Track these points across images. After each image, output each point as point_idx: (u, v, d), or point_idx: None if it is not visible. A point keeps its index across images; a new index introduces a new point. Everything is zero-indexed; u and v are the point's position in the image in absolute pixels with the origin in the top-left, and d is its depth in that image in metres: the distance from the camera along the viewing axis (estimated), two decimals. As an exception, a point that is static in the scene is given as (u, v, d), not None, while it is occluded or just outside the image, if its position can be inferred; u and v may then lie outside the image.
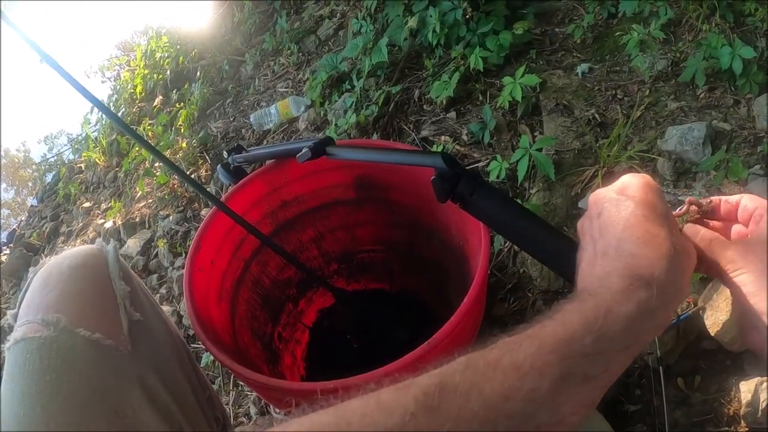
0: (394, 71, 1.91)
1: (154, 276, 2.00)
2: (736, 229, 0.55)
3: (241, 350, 1.09)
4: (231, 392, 1.48)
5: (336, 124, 1.85)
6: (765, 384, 0.93)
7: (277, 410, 1.33)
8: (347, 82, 2.00)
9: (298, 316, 1.37)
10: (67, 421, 0.63)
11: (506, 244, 1.38)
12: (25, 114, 5.95)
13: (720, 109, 1.40)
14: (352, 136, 1.79)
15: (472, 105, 1.72)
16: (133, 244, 2.16)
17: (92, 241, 2.40)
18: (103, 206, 2.73)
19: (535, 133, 1.56)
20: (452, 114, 1.71)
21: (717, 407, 0.99)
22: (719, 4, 1.51)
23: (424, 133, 1.70)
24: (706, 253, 0.51)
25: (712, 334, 1.01)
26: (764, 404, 0.92)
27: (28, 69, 4.45)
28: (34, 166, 5.42)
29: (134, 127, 2.79)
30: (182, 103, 2.76)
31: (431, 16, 1.78)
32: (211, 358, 1.53)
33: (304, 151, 0.97)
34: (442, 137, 1.66)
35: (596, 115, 1.51)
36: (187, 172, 2.22)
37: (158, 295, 1.90)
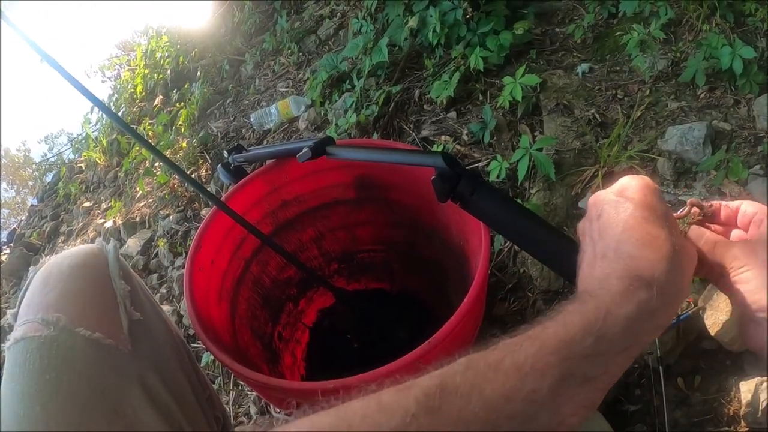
0: (395, 71, 1.91)
1: (155, 275, 2.00)
2: (736, 233, 0.56)
3: (241, 350, 1.09)
4: (231, 392, 1.48)
5: (336, 124, 1.85)
6: (765, 384, 0.93)
7: (277, 410, 1.33)
8: (347, 82, 2.00)
9: (299, 315, 1.38)
10: (66, 420, 0.63)
11: (506, 244, 1.38)
12: (26, 113, 5.95)
13: (720, 109, 1.40)
14: (352, 135, 1.79)
15: (472, 105, 1.72)
16: (133, 244, 2.16)
17: (92, 241, 2.40)
18: (104, 206, 2.73)
19: (536, 133, 1.56)
20: (452, 114, 1.71)
21: (717, 407, 0.99)
22: (719, 4, 1.51)
23: (425, 132, 1.70)
24: (709, 256, 0.51)
25: (712, 334, 1.01)
26: (764, 404, 0.92)
27: (28, 69, 4.47)
28: (34, 166, 5.42)
29: (134, 127, 2.79)
30: (182, 103, 2.76)
31: (431, 16, 1.78)
32: (211, 357, 1.53)
33: (304, 150, 0.97)
34: (443, 137, 1.66)
35: (596, 115, 1.51)
36: (188, 172, 2.22)
37: (158, 294, 1.90)
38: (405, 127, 1.75)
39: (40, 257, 2.66)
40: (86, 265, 0.79)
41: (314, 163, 1.00)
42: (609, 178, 1.35)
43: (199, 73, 2.88)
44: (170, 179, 2.29)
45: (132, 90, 3.37)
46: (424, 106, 1.79)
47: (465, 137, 1.63)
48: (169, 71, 3.15)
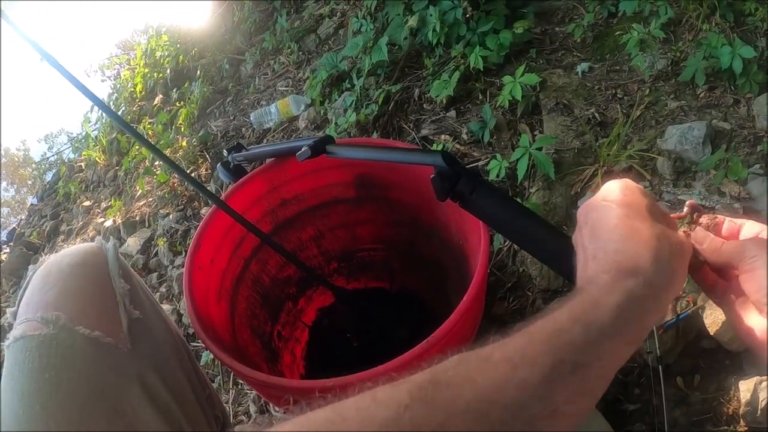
0: (394, 70, 1.90)
1: (154, 274, 2.00)
2: None
3: (241, 349, 1.09)
4: (231, 391, 1.48)
5: (336, 123, 1.85)
6: (764, 383, 0.93)
7: (277, 409, 1.33)
8: (347, 81, 2.00)
9: (298, 314, 1.38)
10: (66, 419, 0.63)
11: (506, 243, 1.38)
12: (25, 113, 5.95)
13: (720, 108, 1.40)
14: (352, 134, 1.79)
15: (472, 104, 1.72)
16: (133, 243, 2.16)
17: (92, 240, 2.40)
18: (103, 205, 2.73)
19: (535, 132, 1.56)
20: (452, 113, 1.71)
21: (716, 406, 0.99)
22: (719, 4, 1.51)
23: (424, 131, 1.70)
24: (713, 256, 0.52)
25: (712, 333, 1.01)
26: (763, 403, 0.92)
27: (28, 68, 4.47)
28: (34, 165, 5.42)
29: (134, 126, 2.79)
30: (182, 102, 2.76)
31: (431, 15, 1.78)
32: (211, 356, 1.53)
33: (304, 149, 0.97)
34: (442, 136, 1.66)
35: (596, 114, 1.51)
36: (187, 171, 2.22)
37: (158, 293, 1.90)
38: (405, 126, 1.75)
39: (39, 256, 2.66)
40: (86, 264, 0.79)
41: (314, 162, 1.00)
42: (608, 177, 1.35)
43: (198, 72, 2.88)
44: (170, 178, 2.29)
45: (132, 89, 3.37)
46: (424, 105, 1.79)
47: (465, 136, 1.63)
48: (168, 70, 3.14)
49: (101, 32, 4.96)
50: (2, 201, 5.38)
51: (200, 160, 2.32)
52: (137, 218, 2.33)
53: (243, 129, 2.34)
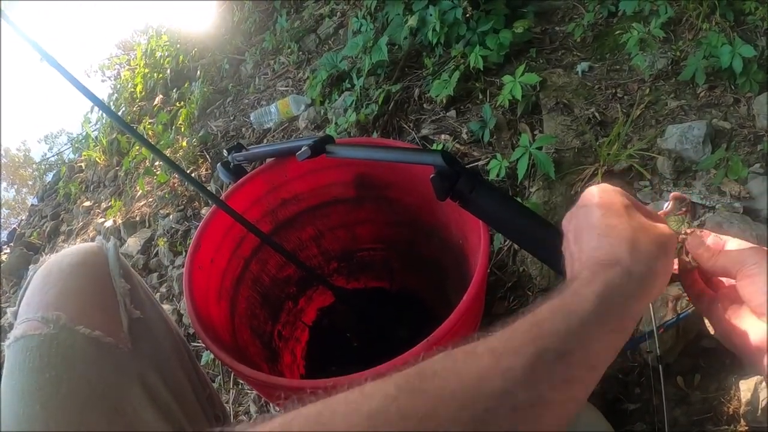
0: (394, 70, 1.91)
1: (155, 275, 2.00)
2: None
3: (241, 348, 1.09)
4: (231, 390, 1.48)
5: (336, 123, 1.85)
6: (765, 383, 0.93)
7: (277, 408, 1.33)
8: (347, 81, 2.00)
9: (298, 314, 1.38)
10: (66, 419, 0.63)
11: (506, 243, 1.38)
12: (26, 113, 5.95)
13: (720, 107, 1.40)
14: (352, 134, 1.79)
15: (472, 104, 1.72)
16: (133, 243, 2.16)
17: (92, 240, 2.40)
18: (104, 205, 2.73)
19: (535, 132, 1.56)
20: (452, 112, 1.71)
21: (716, 406, 0.99)
22: (719, 3, 1.51)
23: (424, 131, 1.70)
24: (709, 263, 0.54)
25: (712, 333, 1.01)
26: (764, 403, 0.92)
27: (28, 68, 4.47)
28: (34, 165, 5.42)
29: (134, 126, 2.79)
30: (182, 102, 2.76)
31: (431, 15, 1.78)
32: (211, 356, 1.53)
33: (303, 149, 0.97)
34: (442, 136, 1.66)
35: (596, 114, 1.51)
36: (188, 171, 2.22)
37: (158, 293, 1.90)
38: (405, 125, 1.75)
39: (40, 256, 2.66)
40: (86, 264, 0.79)
41: (314, 162, 1.00)
42: (609, 176, 1.35)
43: (199, 72, 2.88)
44: (170, 178, 2.29)
45: (132, 89, 3.37)
46: (424, 105, 1.79)
47: (465, 136, 1.63)
48: (169, 70, 3.15)
49: (101, 32, 4.96)
50: (2, 201, 5.38)
51: (200, 160, 2.32)
52: (137, 218, 2.33)
53: (243, 129, 2.34)
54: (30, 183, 5.67)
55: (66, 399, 0.64)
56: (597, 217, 0.52)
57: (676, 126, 1.36)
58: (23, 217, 3.81)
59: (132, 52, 4.02)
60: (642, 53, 1.54)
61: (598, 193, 0.55)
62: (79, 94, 0.87)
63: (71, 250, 0.82)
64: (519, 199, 1.39)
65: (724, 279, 0.56)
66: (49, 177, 4.03)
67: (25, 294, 0.76)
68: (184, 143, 2.44)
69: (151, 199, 2.39)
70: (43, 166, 4.56)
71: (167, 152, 2.41)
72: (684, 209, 0.59)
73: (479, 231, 0.88)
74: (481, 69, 1.68)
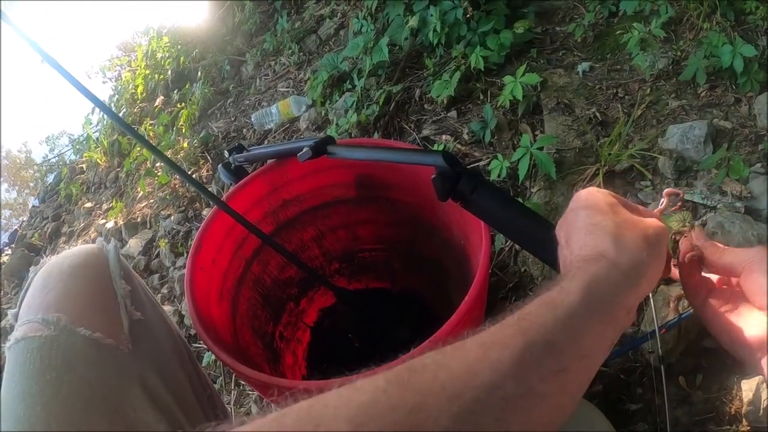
0: (395, 70, 1.90)
1: (156, 276, 2.00)
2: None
3: (242, 349, 1.09)
4: (232, 392, 1.48)
5: (337, 124, 1.85)
6: (766, 383, 0.93)
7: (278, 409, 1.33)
8: (348, 82, 2.00)
9: (300, 315, 1.37)
10: (67, 420, 0.63)
11: (507, 243, 1.38)
12: (27, 115, 5.96)
13: (721, 107, 1.40)
14: (353, 135, 1.79)
15: (472, 104, 1.72)
16: (134, 244, 2.17)
17: (93, 241, 2.41)
18: (105, 206, 2.73)
19: (536, 132, 1.56)
20: (453, 113, 1.71)
21: (718, 406, 0.99)
22: (720, 3, 1.51)
23: (425, 132, 1.70)
24: (714, 257, 0.55)
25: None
26: (766, 403, 0.92)
27: (29, 69, 4.48)
28: (35, 167, 5.43)
29: (135, 128, 2.79)
30: (183, 103, 2.76)
31: (432, 16, 1.78)
32: (213, 357, 1.53)
33: (305, 150, 0.97)
34: (443, 136, 1.66)
35: (597, 114, 1.51)
36: (189, 172, 2.22)
37: (160, 294, 1.90)
38: (406, 126, 1.75)
39: (41, 258, 2.66)
40: (87, 265, 0.79)
41: (315, 163, 1.00)
42: (610, 176, 1.35)
43: (199, 73, 2.89)
44: (171, 179, 2.29)
45: (133, 91, 3.37)
46: (425, 106, 1.79)
47: (466, 136, 1.63)
48: (169, 72, 3.15)
49: (102, 33, 4.97)
50: (4, 203, 5.39)
51: (201, 162, 2.32)
52: (138, 219, 2.33)
53: (244, 130, 2.34)
54: (31, 184, 5.68)
55: (67, 400, 0.64)
56: (582, 218, 0.53)
57: (677, 126, 1.35)
58: (24, 219, 3.81)
59: (133, 53, 4.03)
60: (643, 53, 1.54)
61: (584, 196, 0.56)
62: (80, 95, 0.87)
63: (72, 251, 0.82)
64: (520, 200, 1.39)
65: (714, 277, 0.57)
66: (51, 178, 4.04)
67: (26, 296, 0.76)
68: (185, 144, 2.44)
69: (152, 200, 2.39)
70: (44, 168, 4.57)
71: (168, 153, 2.41)
72: (678, 203, 0.59)
73: (481, 231, 0.88)
74: (482, 69, 1.68)
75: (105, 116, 3.23)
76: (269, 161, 1.18)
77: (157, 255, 2.09)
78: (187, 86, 2.95)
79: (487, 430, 0.38)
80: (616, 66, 1.63)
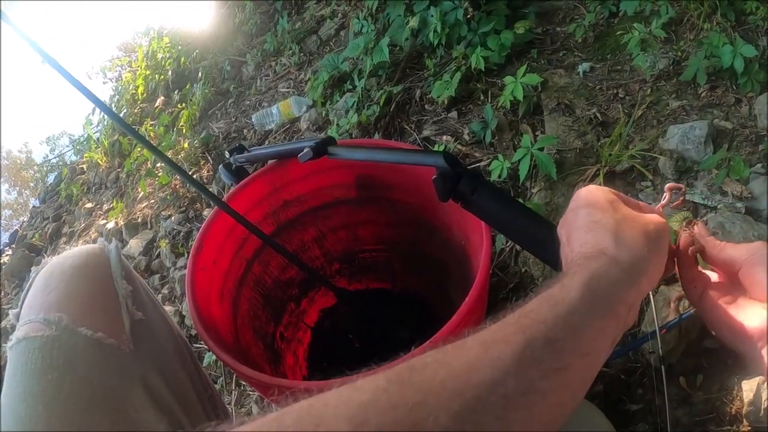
0: (396, 71, 1.91)
1: (156, 276, 2.00)
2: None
3: (243, 350, 1.09)
4: (233, 392, 1.48)
5: (337, 124, 1.85)
6: (767, 383, 0.93)
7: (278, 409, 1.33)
8: (349, 82, 2.00)
9: (300, 315, 1.38)
10: (69, 420, 0.63)
11: (508, 244, 1.38)
12: (27, 115, 5.96)
13: (721, 107, 1.40)
14: (353, 135, 1.79)
15: (473, 104, 1.72)
16: (135, 245, 2.17)
17: (94, 242, 2.40)
18: (105, 207, 2.74)
19: (537, 133, 1.56)
20: (454, 113, 1.71)
21: (719, 406, 0.99)
22: (720, 3, 1.51)
23: (426, 132, 1.70)
24: (714, 251, 0.56)
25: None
26: (766, 403, 0.92)
27: (29, 70, 4.48)
28: (36, 167, 5.43)
29: (136, 128, 2.79)
30: (184, 104, 2.76)
31: (432, 16, 1.78)
32: (213, 357, 1.54)
33: (305, 150, 0.97)
34: (444, 137, 1.66)
35: (598, 114, 1.51)
36: (189, 173, 2.22)
37: (160, 295, 1.90)
38: (406, 127, 1.75)
39: (42, 258, 2.66)
40: (88, 265, 0.79)
41: (315, 163, 1.00)
42: (610, 177, 1.35)
43: (200, 73, 2.89)
44: (172, 180, 2.29)
45: (133, 91, 3.37)
46: (426, 106, 1.79)
47: (466, 137, 1.63)
48: (170, 72, 3.15)
49: (102, 34, 4.97)
50: (4, 203, 5.39)
51: (202, 162, 2.32)
52: (139, 220, 2.33)
53: (245, 130, 2.34)
54: (32, 185, 5.68)
55: (68, 400, 0.64)
56: (582, 216, 0.53)
57: (678, 126, 1.35)
58: (25, 219, 3.82)
59: (133, 53, 4.03)
60: (643, 53, 1.54)
61: (584, 195, 0.56)
62: (81, 95, 0.87)
63: (73, 251, 0.82)
64: (521, 200, 1.39)
65: (711, 273, 0.57)
66: (51, 178, 4.04)
67: (27, 296, 0.76)
68: (186, 145, 2.45)
69: (152, 201, 2.39)
70: (44, 168, 4.58)
71: (169, 154, 2.42)
72: (681, 198, 0.59)
73: (481, 231, 0.88)
74: (483, 70, 1.68)
75: (106, 117, 3.23)
76: (270, 162, 1.18)
77: (158, 255, 2.09)
78: (187, 87, 2.95)
79: (488, 428, 0.38)
80: (617, 66, 1.63)
